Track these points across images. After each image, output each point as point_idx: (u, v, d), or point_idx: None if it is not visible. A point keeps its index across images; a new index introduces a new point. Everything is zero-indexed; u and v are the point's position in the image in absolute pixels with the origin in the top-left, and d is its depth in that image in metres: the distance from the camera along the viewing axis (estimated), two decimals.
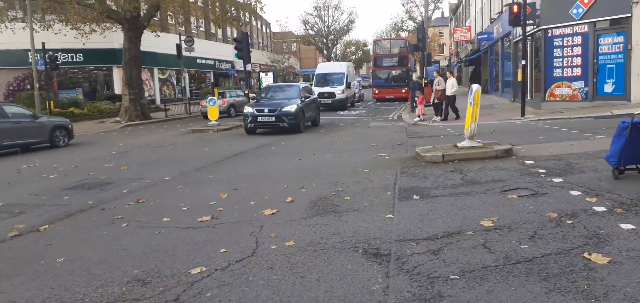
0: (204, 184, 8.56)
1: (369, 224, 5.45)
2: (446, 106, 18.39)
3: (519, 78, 17.30)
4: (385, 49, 38.16)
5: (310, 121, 18.61)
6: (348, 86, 30.64)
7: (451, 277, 3.85)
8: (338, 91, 29.32)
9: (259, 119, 16.51)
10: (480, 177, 7.46)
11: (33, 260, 4.97)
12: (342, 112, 26.94)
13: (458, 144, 9.74)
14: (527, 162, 8.31)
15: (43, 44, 23.34)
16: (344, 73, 30.93)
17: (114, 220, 6.35)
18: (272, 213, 6.10)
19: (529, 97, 19.99)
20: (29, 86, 29.28)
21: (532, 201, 5.87)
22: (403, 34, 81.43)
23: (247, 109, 16.92)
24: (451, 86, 18.33)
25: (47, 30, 24.68)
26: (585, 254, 4.09)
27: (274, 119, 16.35)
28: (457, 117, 18.02)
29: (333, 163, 9.99)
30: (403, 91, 34.16)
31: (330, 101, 28.73)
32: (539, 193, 6.24)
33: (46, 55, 23.58)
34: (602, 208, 5.34)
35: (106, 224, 6.17)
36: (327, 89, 29.53)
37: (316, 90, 27.20)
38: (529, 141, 11.04)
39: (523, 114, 16.69)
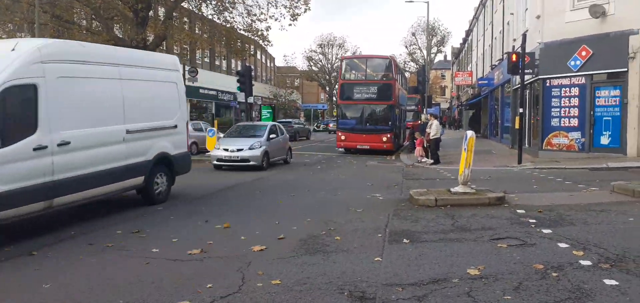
0: (195, 216, 8.58)
1: (357, 266, 5.46)
2: (434, 149, 18.55)
3: (517, 126, 17.47)
4: (358, 71, 25.45)
5: None
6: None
7: None
8: None
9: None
10: (471, 224, 7.49)
11: (20, 284, 4.99)
12: None
13: (451, 189, 9.80)
14: (518, 211, 8.35)
15: None
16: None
17: (104, 247, 6.37)
18: (261, 250, 6.12)
19: (526, 145, 20.13)
20: None
21: (520, 252, 5.89)
22: (405, 75, 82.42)
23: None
24: (434, 128, 18.57)
25: None
26: None
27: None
28: (434, 162, 18.10)
29: (327, 201, 10.04)
30: (384, 139, 22.80)
31: None
32: (528, 243, 6.26)
33: None
34: (588, 262, 5.37)
35: (96, 252, 6.19)
36: None
37: None
38: (522, 189, 11.09)
39: (520, 161, 16.79)
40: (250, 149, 16.39)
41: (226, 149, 16.53)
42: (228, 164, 16.43)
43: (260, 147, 16.56)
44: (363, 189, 11.77)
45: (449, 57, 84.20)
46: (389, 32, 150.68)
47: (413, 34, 70.93)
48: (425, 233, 6.96)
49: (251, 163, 16.21)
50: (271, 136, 17.59)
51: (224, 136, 18.84)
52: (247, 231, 7.20)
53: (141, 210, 9.08)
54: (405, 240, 6.55)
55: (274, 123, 19.68)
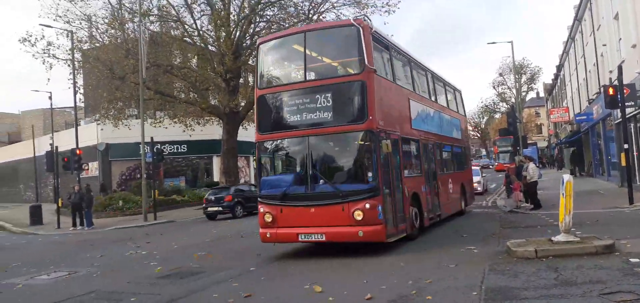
0: (286, 276, 8.72)
1: None
2: (533, 194, 17.37)
3: (623, 163, 16.02)
4: (292, 64, 11.79)
5: None
6: None
7: None
8: None
9: None
10: (577, 277, 6.87)
11: None
12: None
13: (553, 239, 9.11)
14: (632, 260, 7.54)
15: (152, 138, 25.69)
16: None
17: None
18: None
19: (638, 183, 18.34)
20: (139, 175, 32.08)
21: None
22: (496, 116, 78.99)
23: None
24: (530, 171, 17.42)
25: (158, 126, 27.53)
26: None
27: None
28: (534, 207, 16.87)
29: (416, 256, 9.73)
30: (357, 214, 9.48)
31: None
32: None
33: (154, 148, 25.93)
34: None
35: None
36: None
37: None
38: (636, 234, 10.01)
39: (631, 201, 15.26)
40: None
41: None
42: None
43: None
44: (457, 241, 11.27)
45: (541, 94, 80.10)
46: (475, 78, 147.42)
47: (500, 74, 68.65)
48: (526, 290, 6.48)
49: None
50: None
51: None
52: (336, 289, 7.16)
53: (233, 272, 9.38)
54: (502, 299, 6.14)
55: None
